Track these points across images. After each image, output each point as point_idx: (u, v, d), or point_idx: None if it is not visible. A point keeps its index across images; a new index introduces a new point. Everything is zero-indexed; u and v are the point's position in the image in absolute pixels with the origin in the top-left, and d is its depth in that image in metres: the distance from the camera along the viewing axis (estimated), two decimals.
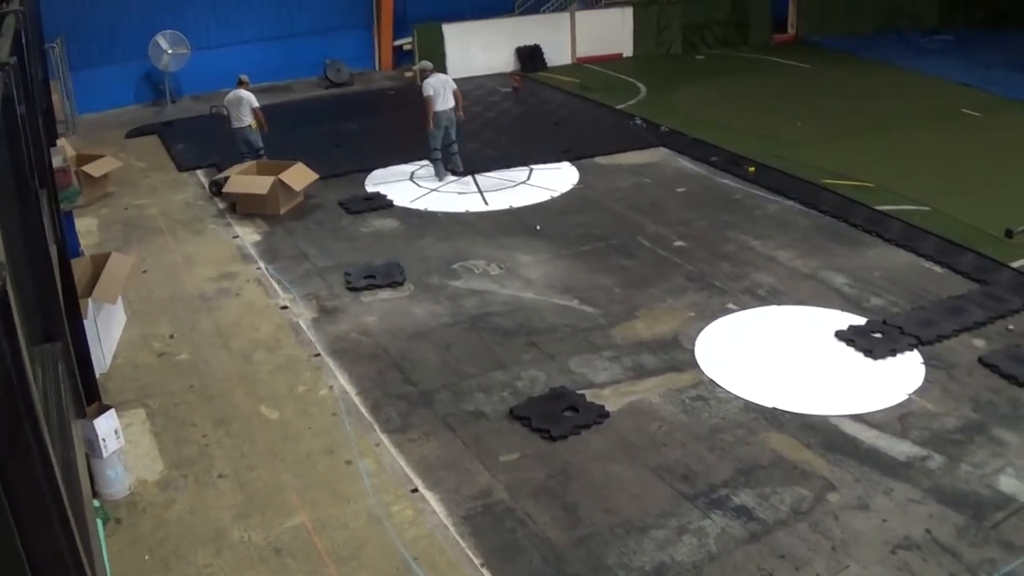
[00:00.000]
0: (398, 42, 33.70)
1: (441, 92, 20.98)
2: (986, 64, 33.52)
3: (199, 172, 22.76)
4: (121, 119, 28.24)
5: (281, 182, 19.66)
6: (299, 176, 20.15)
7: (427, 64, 21.87)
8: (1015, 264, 16.69)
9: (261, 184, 19.61)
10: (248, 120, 21.37)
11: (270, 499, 10.64)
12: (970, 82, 30.79)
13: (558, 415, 12.21)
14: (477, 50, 32.67)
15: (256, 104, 21.40)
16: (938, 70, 32.55)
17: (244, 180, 19.96)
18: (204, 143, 24.65)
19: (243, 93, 21.33)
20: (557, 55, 33.98)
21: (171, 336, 14.71)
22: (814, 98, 29.39)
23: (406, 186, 21.30)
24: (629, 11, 35.40)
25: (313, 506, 10.49)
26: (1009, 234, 17.82)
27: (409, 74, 32.19)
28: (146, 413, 12.56)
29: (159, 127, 27.00)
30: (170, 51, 28.33)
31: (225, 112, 21.86)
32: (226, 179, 20.34)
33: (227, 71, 29.11)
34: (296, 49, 31.74)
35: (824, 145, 23.78)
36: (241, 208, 19.78)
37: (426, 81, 21.08)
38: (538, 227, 18.68)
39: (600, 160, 22.88)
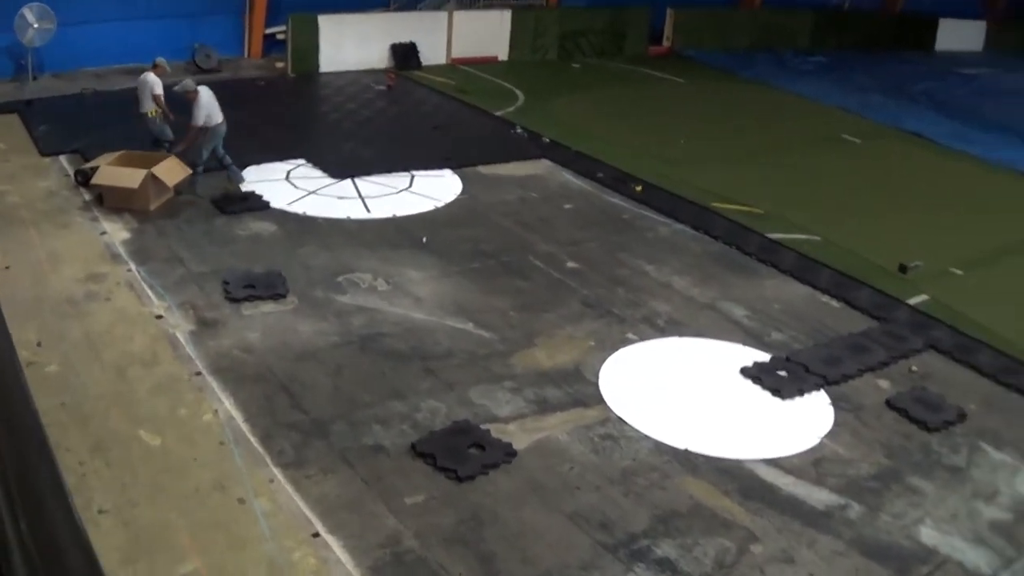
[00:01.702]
0: (270, 30, 32.61)
1: (214, 106, 19.86)
2: (861, 88, 34.28)
3: (63, 158, 21.32)
4: None
5: (153, 176, 18.61)
6: (172, 171, 19.07)
7: (190, 84, 19.92)
8: (912, 301, 16.77)
9: (131, 177, 18.50)
10: (149, 106, 20.21)
11: (158, 540, 9.74)
12: (847, 106, 31.46)
13: (463, 452, 11.54)
14: (351, 44, 31.73)
15: (158, 90, 20.12)
16: (814, 92, 33.13)
17: (113, 172, 18.80)
18: (69, 126, 23.30)
19: (149, 77, 20.15)
20: (432, 54, 33.22)
21: (38, 344, 13.53)
22: (693, 115, 29.43)
23: (282, 186, 20.37)
24: (508, 14, 34.91)
25: (207, 551, 9.63)
26: (903, 269, 17.90)
27: (280, 65, 31.27)
28: None
29: (19, 105, 25.46)
30: (36, 25, 26.86)
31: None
32: (94, 169, 19.18)
33: (92, 49, 28.05)
34: (164, 31, 30.31)
35: (709, 165, 23.70)
36: (108, 202, 18.65)
37: (201, 102, 19.60)
38: (424, 240, 17.97)
39: (482, 169, 22.25)
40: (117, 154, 19.58)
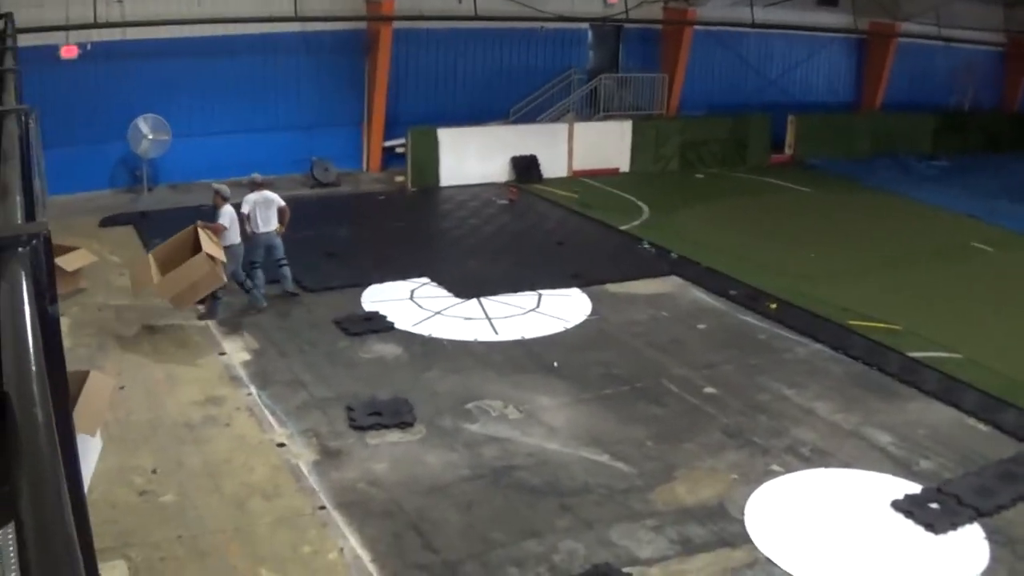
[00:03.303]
0: (389, 143, 32.59)
1: (235, 226, 19.32)
2: (987, 193, 33.42)
3: None
4: (94, 204, 26.83)
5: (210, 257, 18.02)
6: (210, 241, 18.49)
7: (226, 190, 19.59)
8: None
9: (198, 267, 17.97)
10: (276, 223, 19.92)
11: None
12: (975, 213, 30.59)
13: None
14: (472, 158, 31.61)
15: (282, 203, 20.04)
16: (940, 199, 32.34)
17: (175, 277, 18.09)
18: None
19: (269, 194, 19.89)
20: (553, 167, 32.97)
21: (154, 471, 13.11)
22: (821, 225, 28.89)
23: (406, 306, 20.02)
24: (628, 125, 34.64)
25: None
26: None
27: (399, 178, 31.03)
28: (127, 567, 10.99)
29: (135, 217, 25.71)
30: (151, 136, 26.90)
31: (243, 212, 19.66)
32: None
33: (208, 162, 27.99)
34: (281, 144, 30.54)
35: (841, 279, 22.97)
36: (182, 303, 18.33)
37: (224, 211, 19.24)
38: (555, 364, 17.39)
39: (611, 288, 21.71)
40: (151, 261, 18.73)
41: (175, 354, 17.30)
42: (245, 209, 19.52)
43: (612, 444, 14.48)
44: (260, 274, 19.81)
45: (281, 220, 19.99)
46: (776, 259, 24.40)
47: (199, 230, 18.53)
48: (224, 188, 19.54)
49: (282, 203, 19.99)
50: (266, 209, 19.79)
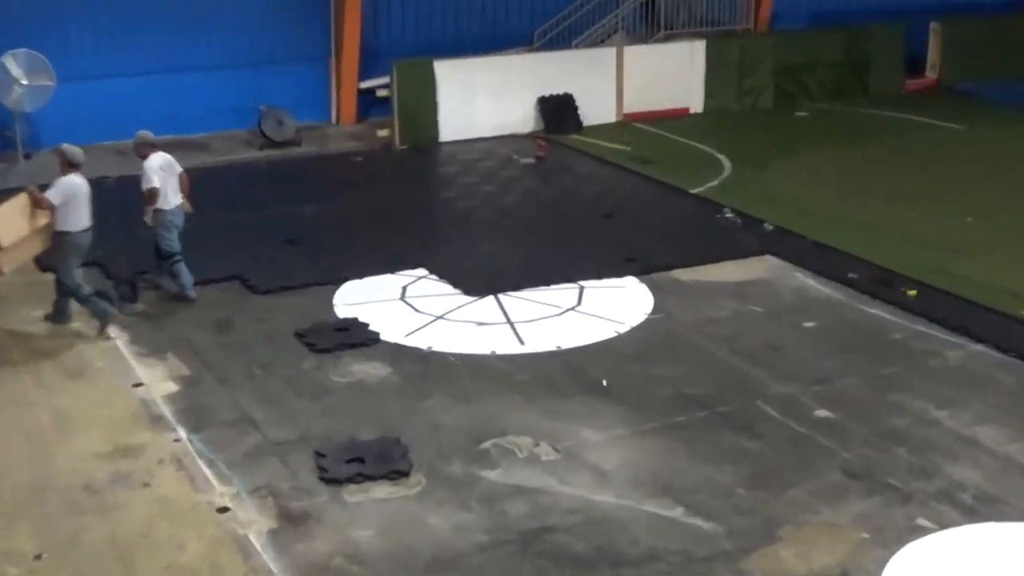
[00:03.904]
0: (367, 84, 32.64)
1: (80, 202, 18.90)
2: None
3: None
4: None
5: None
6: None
7: (78, 154, 19.22)
8: None
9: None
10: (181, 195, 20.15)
11: None
12: None
13: None
14: (483, 101, 31.82)
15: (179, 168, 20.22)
16: None
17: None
18: None
19: (166, 155, 19.97)
20: (597, 109, 33.16)
21: (37, 557, 12.99)
22: (979, 177, 28.85)
23: (397, 309, 20.18)
24: (700, 46, 34.65)
25: None
26: None
27: (383, 133, 31.07)
28: None
29: (4, 196, 25.50)
30: (24, 81, 26.88)
31: (154, 185, 19.68)
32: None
33: (110, 115, 27.75)
34: (216, 89, 30.70)
35: (1010, 253, 22.96)
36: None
37: (60, 185, 18.72)
38: (604, 383, 17.41)
39: (680, 275, 21.85)
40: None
41: (69, 387, 17.32)
42: (155, 181, 19.55)
43: (687, 493, 14.39)
44: (183, 268, 19.89)
45: (183, 190, 20.26)
46: (915, 226, 24.45)
47: (22, 196, 18.66)
48: (73, 150, 19.15)
49: (180, 168, 20.24)
50: (172, 176, 20.01)
